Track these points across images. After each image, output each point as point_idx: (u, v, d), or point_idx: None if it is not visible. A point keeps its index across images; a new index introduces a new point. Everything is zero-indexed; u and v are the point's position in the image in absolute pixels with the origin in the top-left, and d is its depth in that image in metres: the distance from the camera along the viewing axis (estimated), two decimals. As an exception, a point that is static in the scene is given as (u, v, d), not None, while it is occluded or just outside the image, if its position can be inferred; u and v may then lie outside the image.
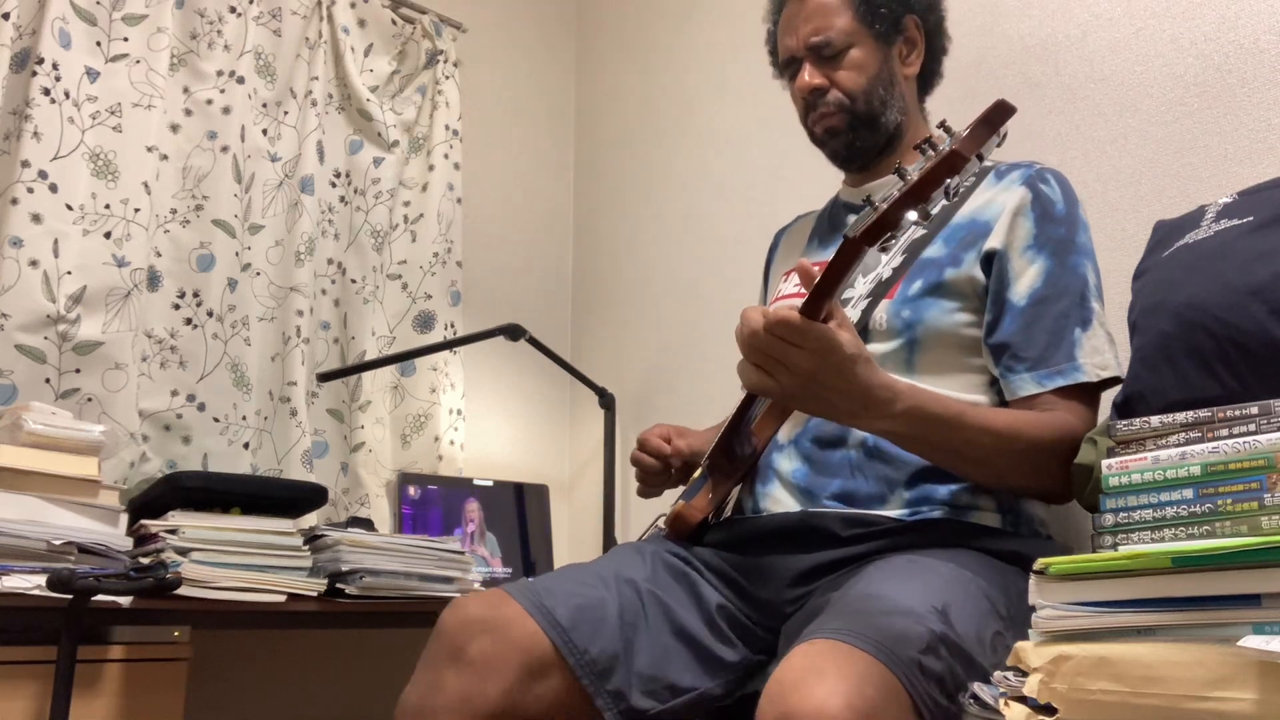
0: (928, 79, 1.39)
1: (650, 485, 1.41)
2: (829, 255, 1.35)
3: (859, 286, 1.25)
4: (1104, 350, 1.16)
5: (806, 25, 1.31)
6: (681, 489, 1.38)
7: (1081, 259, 1.19)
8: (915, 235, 1.24)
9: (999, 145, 0.90)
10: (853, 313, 1.23)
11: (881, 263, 1.25)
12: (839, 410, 1.02)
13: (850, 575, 1.07)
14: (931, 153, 0.88)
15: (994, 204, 1.22)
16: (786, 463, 1.23)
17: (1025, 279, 1.18)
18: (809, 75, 1.31)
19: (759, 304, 1.61)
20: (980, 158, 0.87)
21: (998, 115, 0.86)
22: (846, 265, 0.94)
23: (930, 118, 1.41)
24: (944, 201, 0.90)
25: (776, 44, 1.40)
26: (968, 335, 1.20)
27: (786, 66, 1.37)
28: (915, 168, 0.89)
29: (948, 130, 0.89)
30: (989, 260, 1.19)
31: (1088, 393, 1.15)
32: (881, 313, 1.21)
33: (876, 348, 1.20)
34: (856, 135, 1.32)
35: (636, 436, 1.43)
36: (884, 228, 0.91)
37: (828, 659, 0.83)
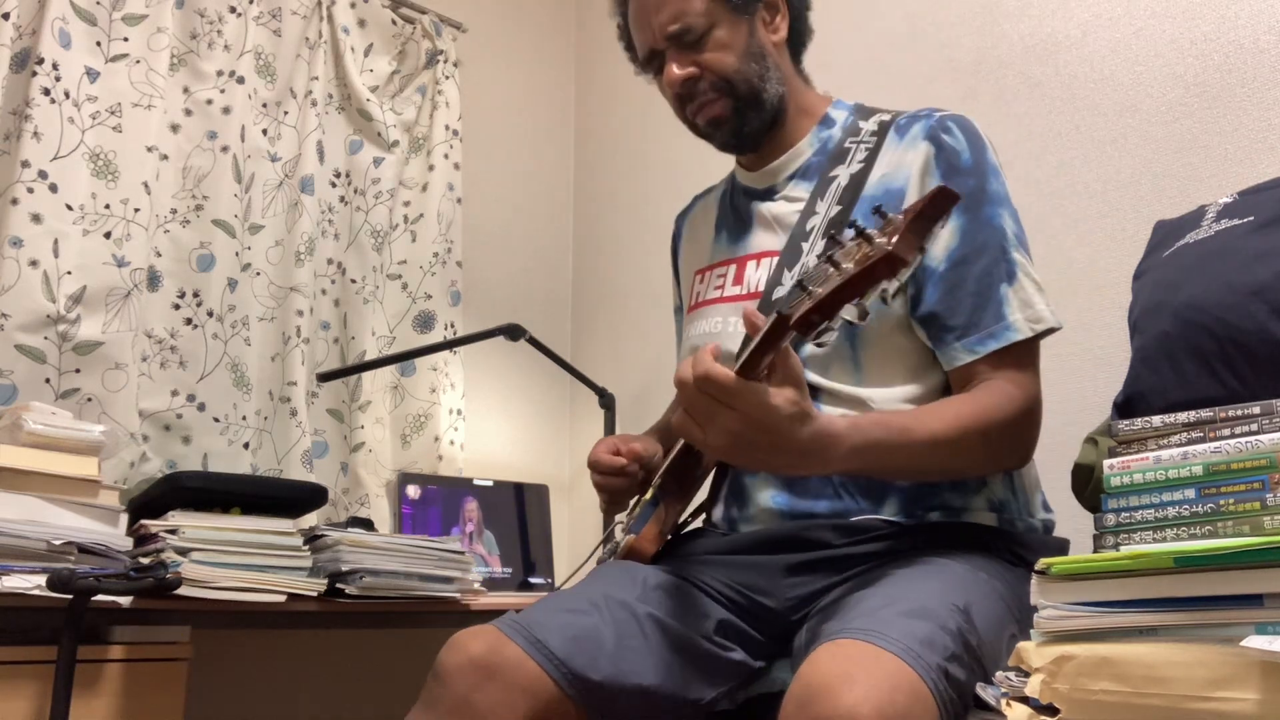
0: (798, 40, 1.30)
1: (617, 503, 1.34)
2: (740, 250, 1.28)
3: (787, 281, 1.19)
4: (1035, 302, 1.10)
5: (660, 15, 1.22)
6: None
7: (996, 209, 1.12)
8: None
9: (942, 227, 0.84)
10: None
11: (804, 251, 1.18)
12: (773, 466, 0.97)
13: (869, 574, 1.06)
14: (865, 244, 0.81)
15: (902, 167, 1.16)
16: (763, 489, 1.16)
17: (940, 241, 1.11)
18: (677, 67, 1.22)
19: (673, 298, 1.53)
20: (923, 250, 0.81)
21: (936, 207, 0.80)
22: (777, 341, 0.89)
23: (812, 80, 1.33)
24: (882, 304, 0.83)
25: (630, 38, 1.31)
26: (905, 316, 1.14)
27: (649, 61, 1.27)
28: (849, 249, 0.81)
29: (883, 214, 0.82)
30: None
31: (1025, 350, 1.10)
32: None
33: (817, 350, 1.14)
34: (744, 120, 1.23)
35: (588, 461, 1.33)
36: (818, 318, 0.85)
37: (856, 662, 0.81)
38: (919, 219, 0.80)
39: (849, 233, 0.83)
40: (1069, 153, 1.62)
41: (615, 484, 1.30)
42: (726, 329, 1.23)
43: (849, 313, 0.84)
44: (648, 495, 1.25)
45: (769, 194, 1.29)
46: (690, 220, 1.47)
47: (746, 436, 0.91)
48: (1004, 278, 1.10)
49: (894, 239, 0.79)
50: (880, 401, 1.13)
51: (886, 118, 1.22)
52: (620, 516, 1.34)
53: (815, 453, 0.94)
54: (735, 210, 1.34)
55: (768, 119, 1.25)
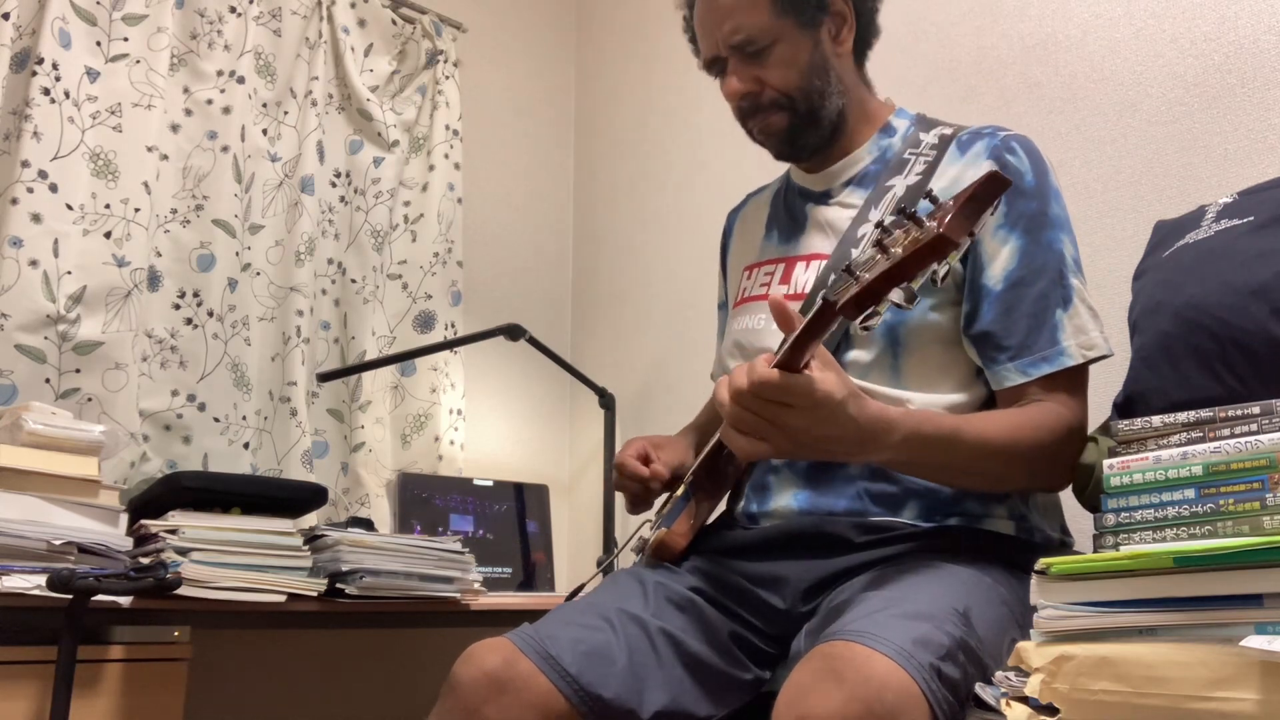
0: (863, 44, 1.29)
1: (639, 505, 1.35)
2: (790, 250, 1.29)
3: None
4: (1089, 329, 1.11)
5: (725, 23, 1.20)
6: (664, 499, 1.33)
7: (1057, 233, 1.14)
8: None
9: (992, 215, 0.83)
10: None
11: (851, 258, 1.21)
12: (835, 453, 0.99)
13: (868, 576, 1.06)
14: (915, 228, 0.79)
15: (960, 182, 1.15)
16: (786, 485, 1.18)
17: (999, 261, 1.12)
18: (737, 80, 1.22)
19: (719, 294, 1.53)
20: (972, 235, 0.79)
21: (989, 190, 0.78)
22: (824, 329, 0.88)
23: (874, 82, 1.32)
24: (932, 285, 0.83)
25: (695, 34, 1.30)
26: (950, 330, 1.15)
27: (711, 66, 1.27)
28: (897, 237, 0.80)
29: (933, 199, 0.80)
30: None
31: (1076, 375, 1.11)
32: None
33: (860, 355, 1.15)
34: (800, 134, 1.24)
35: (614, 461, 1.36)
36: (866, 302, 0.84)
37: (846, 662, 0.82)
38: (970, 202, 0.78)
39: (899, 219, 0.82)
40: (1069, 153, 1.62)
41: (632, 488, 1.32)
42: (770, 326, 1.23)
43: (896, 296, 0.83)
44: (679, 491, 1.27)
45: (824, 198, 1.29)
46: (742, 217, 1.47)
47: (812, 430, 0.92)
48: (1060, 302, 1.11)
49: (945, 220, 0.77)
50: (919, 404, 1.13)
51: (948, 131, 1.22)
52: (649, 515, 1.35)
53: (873, 436, 0.96)
54: (789, 210, 1.34)
55: (825, 134, 1.25)
